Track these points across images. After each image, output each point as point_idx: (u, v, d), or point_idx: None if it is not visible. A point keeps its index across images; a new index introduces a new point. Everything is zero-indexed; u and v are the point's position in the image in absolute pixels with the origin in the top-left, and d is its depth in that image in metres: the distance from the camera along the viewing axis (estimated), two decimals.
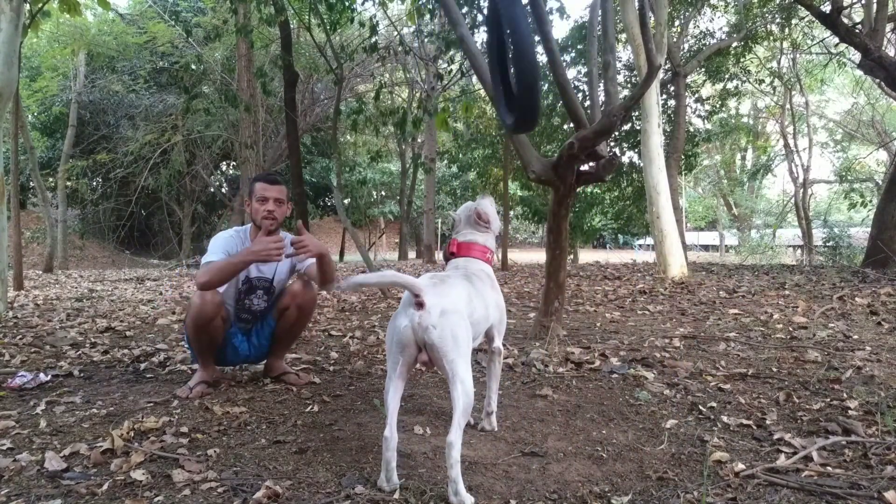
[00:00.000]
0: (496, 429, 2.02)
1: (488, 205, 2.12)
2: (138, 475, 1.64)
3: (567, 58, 11.24)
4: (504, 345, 3.39)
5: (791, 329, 3.70)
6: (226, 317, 2.57)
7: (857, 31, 6.90)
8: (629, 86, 11.14)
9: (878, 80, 10.29)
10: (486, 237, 2.07)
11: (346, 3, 6.19)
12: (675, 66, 10.61)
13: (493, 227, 2.10)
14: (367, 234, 25.43)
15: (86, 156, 15.52)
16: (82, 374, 2.80)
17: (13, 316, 4.66)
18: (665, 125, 10.11)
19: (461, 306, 1.67)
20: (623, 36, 9.50)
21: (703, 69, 12.09)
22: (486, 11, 2.45)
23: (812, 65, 17.09)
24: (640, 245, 26.78)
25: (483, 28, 7.03)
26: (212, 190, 18.50)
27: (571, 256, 13.06)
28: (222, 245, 2.54)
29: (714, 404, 2.26)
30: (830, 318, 4.07)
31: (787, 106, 16.90)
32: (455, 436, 1.46)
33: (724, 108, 13.98)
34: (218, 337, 2.52)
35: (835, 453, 1.78)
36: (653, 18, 6.72)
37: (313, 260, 2.69)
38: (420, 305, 1.57)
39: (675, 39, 10.89)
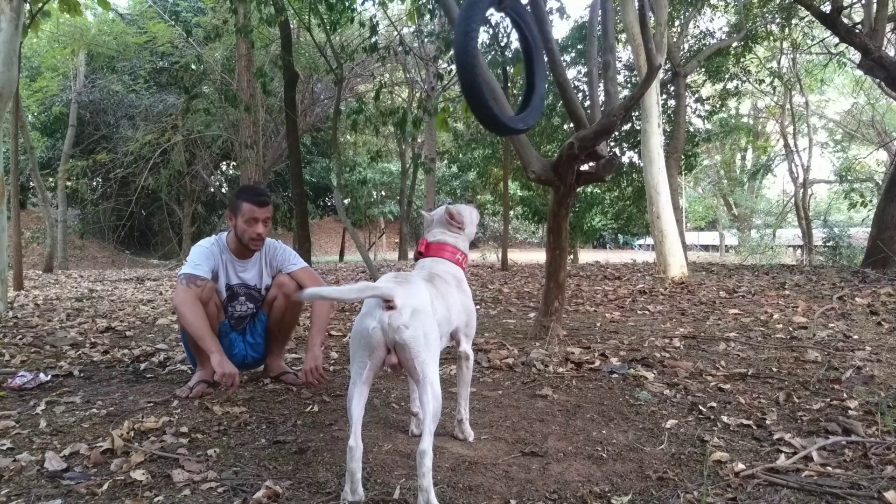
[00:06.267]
0: (470, 438, 1.94)
1: (466, 209, 2.08)
2: (138, 475, 1.64)
3: (567, 58, 11.24)
4: (503, 344, 3.40)
5: (791, 329, 3.70)
6: (219, 305, 2.58)
7: (857, 31, 6.90)
8: (629, 86, 11.14)
9: (878, 80, 10.29)
10: (458, 239, 2.02)
11: (346, 3, 6.20)
12: (675, 66, 10.61)
13: (466, 230, 2.05)
14: (367, 234, 25.43)
15: (86, 156, 15.52)
16: (82, 374, 2.80)
17: (13, 316, 4.66)
18: (665, 125, 10.11)
19: (428, 306, 1.65)
20: (623, 36, 9.50)
21: (703, 69, 12.09)
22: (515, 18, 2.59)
23: (812, 65, 17.09)
24: (640, 245, 26.76)
25: (483, 28, 7.03)
26: (212, 190, 18.50)
27: (571, 256, 13.04)
28: (205, 258, 2.55)
29: (714, 404, 2.26)
30: (830, 318, 4.07)
31: (787, 106, 16.90)
32: (427, 443, 1.41)
33: (724, 108, 13.98)
34: (214, 326, 2.52)
35: (835, 453, 1.78)
36: (653, 18, 6.73)
37: (301, 265, 2.71)
38: (391, 307, 1.53)
39: (675, 39, 10.89)
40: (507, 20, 6.99)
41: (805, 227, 15.93)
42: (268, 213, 2.57)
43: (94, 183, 17.66)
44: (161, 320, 4.54)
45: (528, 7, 2.89)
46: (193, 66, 14.09)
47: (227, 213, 2.65)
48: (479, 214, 2.21)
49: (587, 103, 3.79)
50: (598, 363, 2.92)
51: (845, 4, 7.53)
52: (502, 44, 6.70)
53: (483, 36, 7.51)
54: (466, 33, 2.15)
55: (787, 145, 17.50)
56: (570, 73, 11.21)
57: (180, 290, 2.44)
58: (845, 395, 2.31)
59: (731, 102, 14.33)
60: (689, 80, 11.66)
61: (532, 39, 2.61)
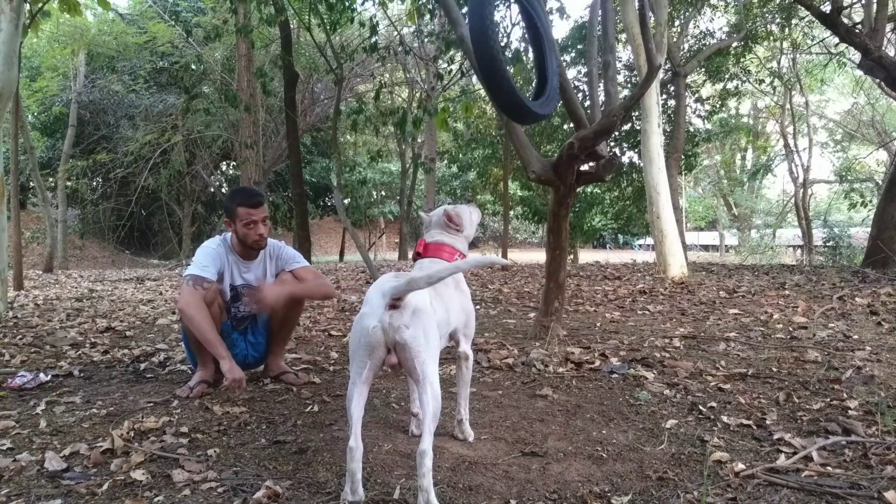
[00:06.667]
0: (470, 438, 1.94)
1: (465, 210, 2.08)
2: (138, 475, 1.64)
3: (567, 58, 11.25)
4: (503, 344, 3.40)
5: (791, 329, 3.70)
6: (222, 305, 2.58)
7: (857, 31, 6.90)
8: (629, 86, 11.14)
9: (878, 80, 10.29)
10: (456, 240, 2.02)
11: (346, 3, 6.19)
12: (675, 66, 10.61)
13: (465, 231, 2.05)
14: (367, 234, 25.43)
15: (86, 156, 15.52)
16: (82, 374, 2.80)
17: (13, 316, 4.66)
18: (665, 125, 10.11)
19: (428, 306, 1.65)
20: (623, 36, 9.50)
21: (703, 69, 12.09)
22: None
23: (812, 65, 17.09)
24: (640, 245, 26.77)
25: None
26: (212, 190, 18.50)
27: (571, 256, 13.05)
28: (211, 259, 2.55)
29: (714, 404, 2.26)
30: (830, 318, 4.07)
31: (787, 106, 16.91)
32: (427, 444, 1.41)
33: (724, 108, 13.98)
34: (216, 327, 2.52)
35: (835, 453, 1.78)
36: (653, 18, 6.72)
37: (303, 263, 2.71)
38: (394, 307, 1.53)
39: (675, 39, 10.89)
40: (506, 22, 7.00)
41: (805, 227, 15.93)
42: (264, 211, 2.58)
43: (94, 183, 17.66)
44: (161, 320, 4.54)
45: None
46: (193, 66, 14.09)
47: (224, 218, 2.65)
48: (481, 214, 2.21)
49: (587, 103, 3.79)
50: (598, 363, 2.92)
51: (845, 4, 7.53)
52: (502, 43, 6.69)
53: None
54: (482, 17, 2.11)
55: (787, 145, 17.51)
56: (570, 73, 11.22)
57: (187, 293, 2.43)
58: (845, 395, 2.31)
59: (731, 102, 14.34)
60: (689, 80, 11.66)
61: (542, 27, 2.57)
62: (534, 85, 2.67)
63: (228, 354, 2.40)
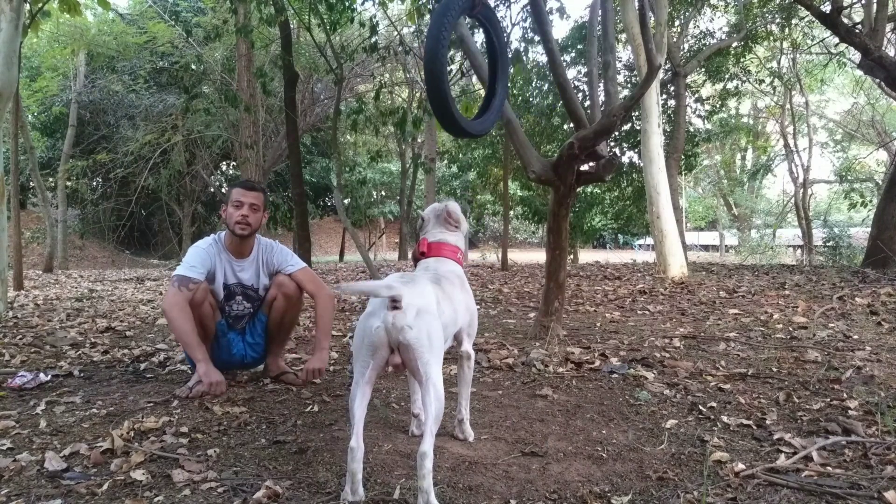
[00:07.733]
0: (470, 438, 1.94)
1: (458, 207, 2.10)
2: (138, 475, 1.64)
3: (567, 58, 11.24)
4: (503, 344, 3.40)
5: (791, 329, 3.70)
6: (214, 305, 2.58)
7: (857, 31, 6.90)
8: (629, 86, 11.14)
9: (878, 80, 10.29)
10: (457, 237, 2.03)
11: (346, 3, 6.19)
12: (675, 66, 10.61)
13: (462, 227, 2.07)
14: (367, 234, 25.43)
15: (86, 156, 15.52)
16: (82, 374, 2.80)
17: (13, 316, 4.66)
18: (665, 125, 10.11)
19: (433, 307, 1.64)
20: (623, 36, 9.50)
21: (703, 69, 12.10)
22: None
23: (812, 65, 17.10)
24: (640, 245, 26.77)
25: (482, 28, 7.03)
26: (212, 190, 18.50)
27: (571, 256, 13.03)
28: (201, 259, 2.55)
29: (714, 404, 2.26)
30: (830, 318, 4.07)
31: (787, 106, 16.91)
32: (428, 445, 1.41)
33: (724, 108, 13.98)
34: (209, 326, 2.52)
35: (835, 453, 1.78)
36: (653, 18, 6.73)
37: (300, 265, 2.71)
38: (396, 307, 1.52)
39: (675, 39, 10.89)
40: (505, 22, 7.00)
41: (805, 227, 15.94)
42: (254, 199, 2.58)
43: (94, 183, 17.66)
44: (161, 320, 4.54)
45: (529, 7, 2.90)
46: (193, 66, 14.08)
47: (223, 206, 2.68)
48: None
49: (587, 103, 3.79)
50: (598, 363, 2.92)
51: (845, 4, 7.52)
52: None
53: (482, 36, 7.48)
54: (438, 40, 2.18)
55: (787, 145, 17.52)
56: (570, 73, 11.21)
57: (171, 294, 2.44)
58: (845, 395, 2.31)
59: (731, 102, 14.34)
60: (689, 80, 11.67)
61: (499, 47, 2.65)
62: (482, 102, 2.76)
63: (206, 358, 2.40)
